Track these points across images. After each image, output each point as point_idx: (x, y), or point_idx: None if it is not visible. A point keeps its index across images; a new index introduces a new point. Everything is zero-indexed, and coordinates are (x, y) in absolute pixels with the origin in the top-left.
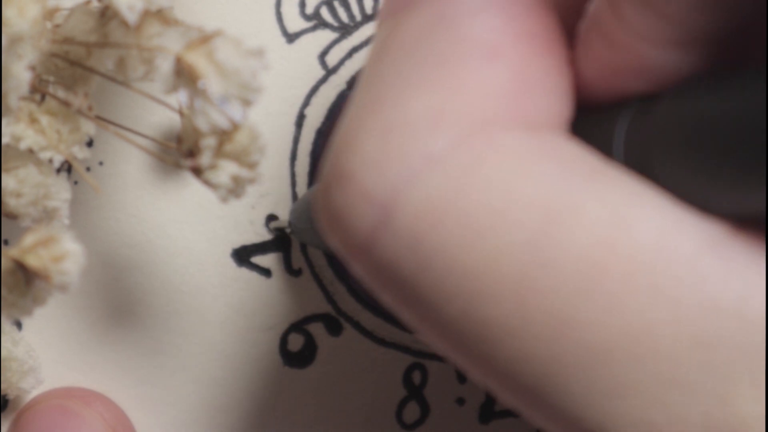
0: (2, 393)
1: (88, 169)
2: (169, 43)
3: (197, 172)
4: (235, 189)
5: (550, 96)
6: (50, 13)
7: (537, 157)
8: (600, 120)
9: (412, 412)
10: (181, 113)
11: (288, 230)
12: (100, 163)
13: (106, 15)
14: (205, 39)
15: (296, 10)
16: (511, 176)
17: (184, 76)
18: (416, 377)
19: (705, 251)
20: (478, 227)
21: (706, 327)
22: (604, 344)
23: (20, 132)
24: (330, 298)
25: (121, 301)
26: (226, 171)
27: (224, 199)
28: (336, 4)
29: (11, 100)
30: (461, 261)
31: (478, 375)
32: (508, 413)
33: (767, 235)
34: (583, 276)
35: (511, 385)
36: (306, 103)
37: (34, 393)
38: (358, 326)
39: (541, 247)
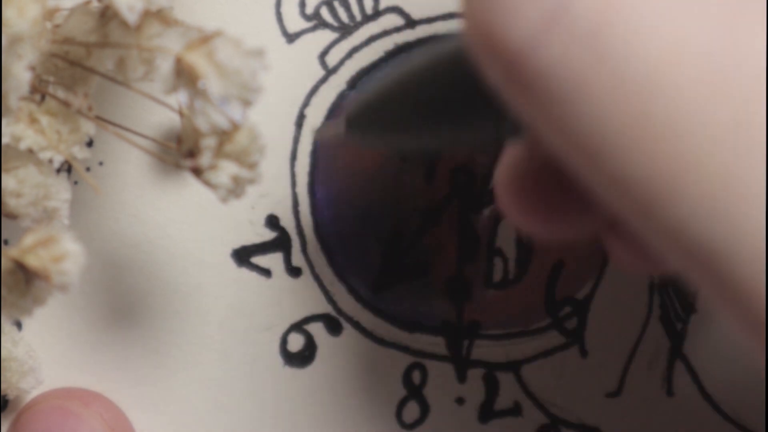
0: (2, 393)
1: (88, 169)
2: (169, 43)
3: (197, 172)
4: (235, 189)
5: None
6: (50, 13)
7: None
8: None
9: (411, 411)
10: (181, 113)
11: (341, 133)
12: (100, 163)
13: (106, 15)
14: (205, 39)
15: (296, 10)
16: None
17: (184, 76)
18: (416, 377)
19: None
20: (661, 15)
21: None
22: None
23: (20, 132)
24: (330, 298)
25: (121, 301)
26: (226, 171)
27: (224, 200)
28: (336, 4)
29: (11, 100)
30: (644, 52)
31: (631, 197)
32: (507, 412)
33: None
34: (760, 80)
35: (671, 203)
36: (306, 103)
37: (34, 393)
38: (358, 326)
39: (723, 46)
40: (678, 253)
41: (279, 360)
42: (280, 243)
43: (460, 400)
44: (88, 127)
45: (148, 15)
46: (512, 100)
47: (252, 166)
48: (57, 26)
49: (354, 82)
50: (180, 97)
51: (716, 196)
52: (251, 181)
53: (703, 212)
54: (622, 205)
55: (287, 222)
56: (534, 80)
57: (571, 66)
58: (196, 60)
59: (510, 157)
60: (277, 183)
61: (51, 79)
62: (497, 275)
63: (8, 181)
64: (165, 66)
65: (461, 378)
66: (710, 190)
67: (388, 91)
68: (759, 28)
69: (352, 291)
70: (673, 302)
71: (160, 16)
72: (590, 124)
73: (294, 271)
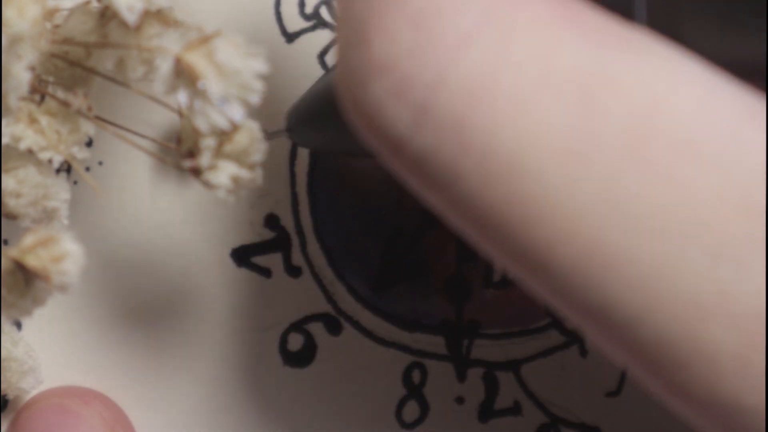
0: (2, 393)
1: (87, 169)
2: (169, 44)
3: (197, 172)
4: (235, 189)
5: None
6: (50, 14)
7: (568, 25)
8: None
9: (411, 411)
10: (180, 113)
11: (287, 134)
12: (100, 164)
13: (106, 15)
14: (204, 39)
15: (295, 9)
16: (545, 46)
17: (184, 76)
18: (416, 376)
19: (745, 121)
20: (518, 102)
21: (751, 195)
22: (650, 215)
23: (20, 132)
24: (330, 298)
25: (121, 301)
26: (225, 171)
27: (224, 200)
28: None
29: (11, 100)
30: (504, 138)
31: (511, 264)
32: (507, 412)
33: None
34: (626, 143)
35: (547, 274)
36: None
37: (34, 393)
38: (357, 326)
39: (582, 118)
40: (566, 310)
41: (278, 359)
42: (280, 243)
43: (459, 400)
44: (88, 127)
45: (147, 15)
46: (402, 175)
47: (252, 166)
48: (57, 26)
49: None
50: (180, 97)
51: (587, 266)
52: (251, 181)
53: (576, 281)
54: (513, 270)
55: (287, 222)
56: (415, 164)
57: (442, 155)
58: (196, 60)
59: None
60: (277, 183)
61: (51, 79)
62: (497, 275)
63: (8, 182)
64: (165, 66)
65: (461, 377)
66: (579, 263)
67: (321, 90)
68: (613, 105)
69: (352, 290)
70: None
71: (160, 16)
72: (466, 205)
73: (294, 271)
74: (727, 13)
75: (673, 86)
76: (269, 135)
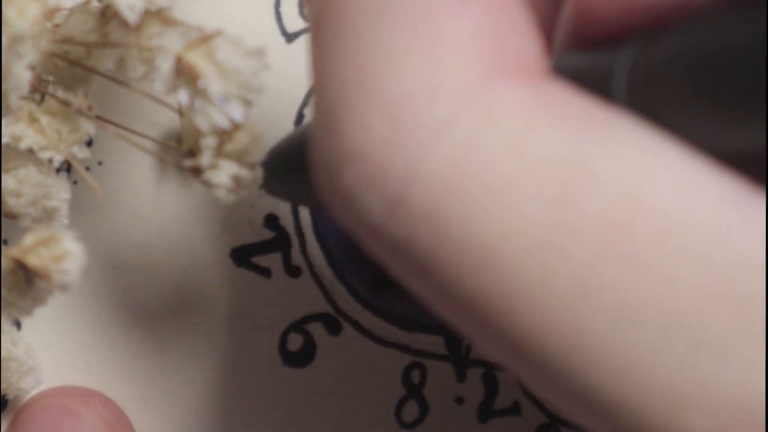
0: (2, 393)
1: (87, 168)
2: (169, 43)
3: (197, 172)
4: (235, 189)
5: (526, 31)
6: (50, 13)
7: (542, 112)
8: (597, 62)
9: (411, 411)
10: (181, 113)
11: (258, 188)
12: (100, 163)
13: (106, 15)
14: (205, 39)
15: (295, 9)
16: (519, 135)
17: (184, 76)
18: (415, 376)
19: (726, 207)
20: (492, 194)
21: (734, 285)
22: (630, 307)
23: (20, 132)
24: (329, 298)
25: (121, 301)
26: (226, 171)
27: (224, 199)
28: None
29: (11, 99)
30: (480, 231)
31: (493, 350)
32: (506, 412)
33: None
34: (605, 235)
35: (528, 361)
36: (306, 103)
37: (34, 393)
38: (357, 326)
39: (559, 209)
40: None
41: (278, 359)
42: (280, 242)
43: (459, 400)
44: (88, 127)
45: (148, 15)
46: (381, 259)
47: (252, 165)
48: (57, 26)
49: None
50: (180, 97)
51: (568, 356)
52: (251, 181)
53: (557, 369)
54: (495, 356)
55: (286, 221)
56: (392, 251)
57: (418, 245)
58: (196, 60)
59: None
60: None
61: (51, 78)
62: None
63: (8, 181)
64: (165, 66)
65: (460, 377)
66: (559, 353)
67: (291, 145)
68: (590, 196)
69: (352, 290)
70: None
71: (160, 16)
72: (445, 294)
73: (293, 271)
74: (709, 100)
75: (652, 175)
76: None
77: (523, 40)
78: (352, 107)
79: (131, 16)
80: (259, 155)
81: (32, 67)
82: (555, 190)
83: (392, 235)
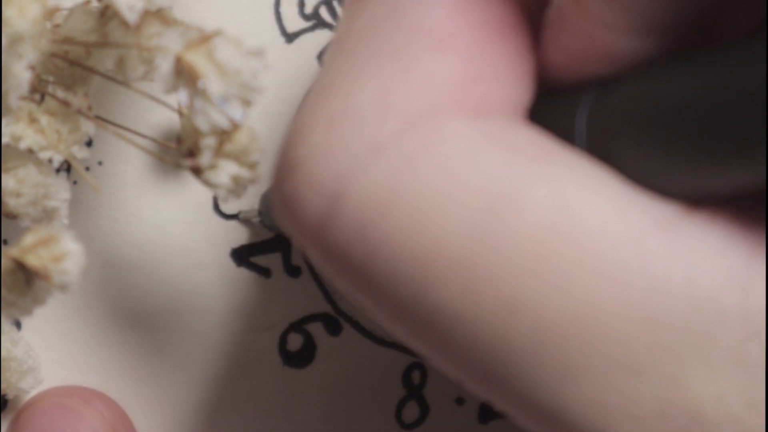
0: (2, 393)
1: (87, 168)
2: (169, 43)
3: (197, 172)
4: (235, 189)
5: (504, 83)
6: (50, 13)
7: (483, 143)
8: (562, 105)
9: (411, 411)
10: (180, 113)
11: (256, 219)
12: (100, 163)
13: (106, 15)
14: (204, 39)
15: (295, 10)
16: (456, 162)
17: (184, 75)
18: (415, 377)
19: (652, 232)
20: (423, 214)
21: (654, 308)
22: (552, 327)
23: (20, 132)
24: (329, 298)
25: (121, 301)
26: (225, 171)
27: (224, 199)
28: (335, 3)
29: (11, 99)
30: (408, 248)
31: (436, 360)
32: None
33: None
34: (529, 258)
35: (466, 370)
36: None
37: (34, 393)
38: (357, 326)
39: (486, 232)
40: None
41: (278, 359)
42: (280, 242)
43: (459, 401)
44: (88, 127)
45: (147, 15)
46: (319, 262)
47: (252, 165)
48: (57, 26)
49: None
50: (180, 97)
51: (499, 368)
52: (251, 181)
53: (493, 378)
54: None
55: None
56: (329, 261)
57: (351, 256)
58: (196, 59)
59: None
60: None
61: (51, 78)
62: None
63: (8, 181)
64: (165, 66)
65: None
66: (490, 365)
67: None
68: (518, 221)
69: None
70: None
71: (160, 16)
72: (379, 305)
73: (293, 271)
74: (661, 145)
75: (581, 203)
76: (241, 218)
77: (493, 91)
78: (300, 118)
79: (131, 16)
80: (258, 155)
81: (32, 67)
82: (482, 215)
83: (326, 245)
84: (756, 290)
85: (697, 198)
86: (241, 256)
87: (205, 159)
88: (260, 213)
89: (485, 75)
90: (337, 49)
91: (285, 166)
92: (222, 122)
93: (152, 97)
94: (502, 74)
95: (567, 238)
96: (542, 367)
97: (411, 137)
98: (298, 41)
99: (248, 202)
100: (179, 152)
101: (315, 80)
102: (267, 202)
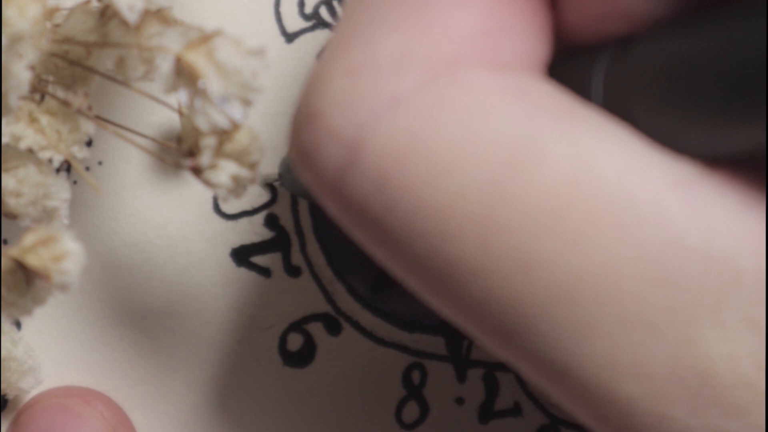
0: (2, 393)
1: (87, 168)
2: (169, 43)
3: (197, 171)
4: (235, 189)
5: (524, 37)
6: (50, 13)
7: (504, 96)
8: (579, 64)
9: (411, 411)
10: (180, 113)
11: (277, 182)
12: (100, 163)
13: (106, 15)
14: (204, 39)
15: (295, 9)
16: (476, 115)
17: (184, 75)
18: (415, 377)
19: (670, 190)
20: (442, 166)
21: (669, 267)
22: (567, 284)
23: (20, 132)
24: (329, 298)
25: (121, 301)
26: (225, 171)
27: (224, 199)
28: (335, 3)
29: (11, 99)
30: (426, 200)
31: (449, 314)
32: (507, 413)
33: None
34: (547, 214)
35: (480, 324)
36: None
37: (34, 393)
38: (357, 326)
39: (504, 186)
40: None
41: (278, 359)
42: (279, 242)
43: (459, 401)
44: (88, 127)
45: (147, 14)
46: (337, 214)
47: (252, 165)
48: (57, 26)
49: None
50: (180, 97)
51: (512, 323)
52: (251, 181)
53: (505, 334)
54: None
55: (286, 221)
56: (346, 212)
57: (368, 209)
58: (196, 59)
59: None
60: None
61: (51, 78)
62: None
63: (8, 181)
64: (165, 65)
65: (461, 378)
66: (504, 320)
67: None
68: (536, 175)
69: (352, 290)
70: None
71: (160, 16)
72: (395, 257)
73: (293, 271)
74: (678, 104)
75: (599, 159)
76: (261, 180)
77: (512, 45)
78: (321, 69)
79: (131, 16)
80: (258, 155)
81: (32, 67)
82: (501, 170)
83: (344, 197)
84: None
85: (713, 158)
86: (241, 256)
87: (205, 159)
88: (280, 176)
89: (506, 28)
90: (355, 1)
91: (304, 116)
92: (222, 122)
93: (152, 97)
94: (522, 28)
95: (585, 194)
96: (556, 324)
97: (430, 90)
98: (298, 41)
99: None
100: (179, 152)
101: (334, 30)
102: (287, 165)
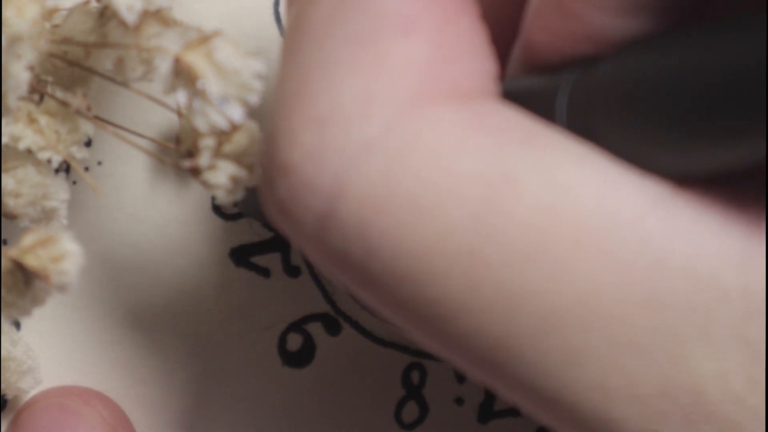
0: (1, 393)
1: (86, 169)
2: (168, 44)
3: (196, 172)
4: (234, 190)
5: (475, 56)
6: (49, 13)
7: (471, 129)
8: (543, 84)
9: (410, 411)
10: (179, 113)
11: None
12: (99, 163)
13: (105, 15)
14: (204, 39)
15: None
16: (447, 152)
17: (183, 76)
18: (415, 377)
19: (649, 211)
20: (419, 208)
21: (654, 288)
22: (555, 312)
23: (19, 132)
24: (329, 298)
25: (121, 301)
26: (224, 172)
27: (223, 200)
28: None
29: (10, 100)
30: (407, 243)
31: (436, 349)
32: (507, 413)
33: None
34: (529, 245)
35: (467, 358)
36: None
37: (33, 393)
38: (356, 326)
39: (484, 221)
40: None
41: (277, 360)
42: (279, 242)
43: (459, 401)
44: (87, 127)
45: (147, 15)
46: (319, 262)
47: (251, 166)
48: (56, 26)
49: None
50: (179, 97)
51: (501, 357)
52: (250, 182)
53: (495, 366)
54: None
55: None
56: (329, 261)
57: (351, 256)
58: (195, 60)
59: None
60: None
61: (50, 79)
62: None
63: (7, 181)
64: (164, 66)
65: (460, 378)
66: (493, 353)
67: None
68: (514, 207)
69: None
70: None
71: (159, 16)
72: (381, 300)
73: (292, 271)
74: (640, 122)
75: (574, 184)
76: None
77: (466, 67)
78: (286, 120)
79: (130, 17)
80: (257, 156)
81: (31, 68)
82: (479, 204)
83: (326, 246)
84: (756, 268)
85: (683, 176)
86: (241, 256)
87: (204, 159)
88: (236, 204)
89: (456, 51)
90: (300, 40)
91: (277, 170)
92: (221, 123)
93: (151, 98)
94: (470, 48)
95: (565, 221)
96: (545, 353)
97: (399, 131)
98: None
99: None
100: (178, 153)
101: (283, 73)
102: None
